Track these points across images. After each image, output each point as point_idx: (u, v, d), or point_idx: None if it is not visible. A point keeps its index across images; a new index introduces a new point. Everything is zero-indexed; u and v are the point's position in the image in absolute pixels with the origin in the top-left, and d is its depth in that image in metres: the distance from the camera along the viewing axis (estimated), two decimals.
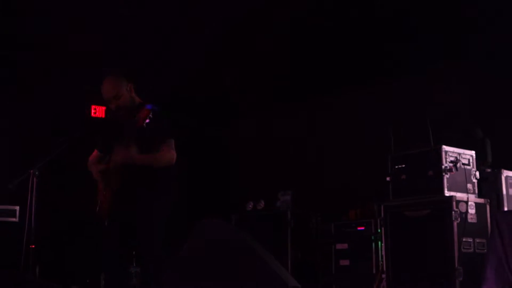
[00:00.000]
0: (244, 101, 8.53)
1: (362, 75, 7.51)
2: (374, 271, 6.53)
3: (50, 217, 6.94)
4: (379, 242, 6.35)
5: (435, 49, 6.85)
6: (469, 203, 5.67)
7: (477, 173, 5.87)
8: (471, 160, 5.88)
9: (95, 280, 6.94)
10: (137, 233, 4.60)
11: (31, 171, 4.95)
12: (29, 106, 8.11)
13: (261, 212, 7.58)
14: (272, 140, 8.23)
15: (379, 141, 6.58)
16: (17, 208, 7.10)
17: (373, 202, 6.73)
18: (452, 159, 5.76)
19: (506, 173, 5.93)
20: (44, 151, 5.08)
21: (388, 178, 6.05)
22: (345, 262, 6.98)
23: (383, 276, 5.97)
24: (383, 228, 6.00)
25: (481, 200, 5.80)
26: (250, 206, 7.69)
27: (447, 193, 5.66)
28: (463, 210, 5.60)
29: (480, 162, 6.01)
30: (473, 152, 5.92)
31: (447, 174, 5.69)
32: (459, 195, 5.67)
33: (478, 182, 5.88)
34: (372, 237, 6.70)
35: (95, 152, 4.97)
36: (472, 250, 5.57)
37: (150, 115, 4.48)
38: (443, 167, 5.70)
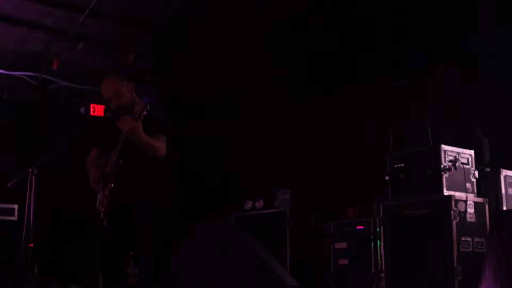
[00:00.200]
0: (244, 101, 8.53)
1: (362, 75, 7.50)
2: (373, 270, 6.52)
3: (49, 215, 6.93)
4: (378, 242, 6.34)
5: (435, 49, 6.85)
6: (468, 202, 5.67)
7: (476, 173, 5.88)
8: (470, 160, 5.89)
9: (94, 279, 6.94)
10: (137, 233, 4.60)
11: (30, 169, 4.96)
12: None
13: (260, 211, 7.58)
14: (272, 140, 8.22)
15: (378, 141, 6.57)
16: (16, 206, 7.11)
17: (372, 201, 6.72)
18: (451, 158, 5.76)
19: (505, 172, 5.93)
20: (44, 150, 5.09)
21: (387, 177, 6.05)
22: (344, 261, 6.97)
23: (382, 275, 5.97)
24: (382, 227, 6.01)
25: (480, 200, 5.81)
26: (249, 205, 7.69)
27: (446, 192, 5.66)
28: (462, 210, 5.60)
29: (479, 161, 6.01)
30: (472, 152, 5.93)
31: (446, 173, 5.69)
32: (458, 194, 5.67)
33: (477, 182, 5.88)
34: (371, 236, 6.68)
35: (94, 151, 4.97)
36: (471, 249, 5.58)
37: (148, 108, 4.51)
38: (442, 166, 5.70)
